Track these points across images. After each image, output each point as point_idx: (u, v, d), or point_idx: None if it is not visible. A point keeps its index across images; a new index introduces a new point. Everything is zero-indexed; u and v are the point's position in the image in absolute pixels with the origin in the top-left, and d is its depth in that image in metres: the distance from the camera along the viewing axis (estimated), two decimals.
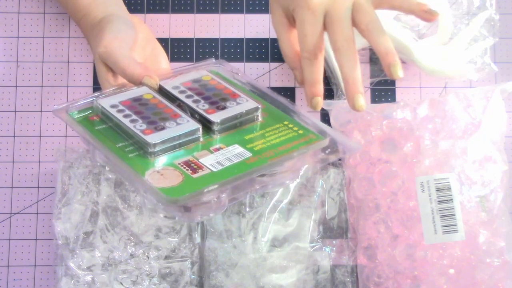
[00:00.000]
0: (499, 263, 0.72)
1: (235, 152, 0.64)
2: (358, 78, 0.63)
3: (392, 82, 0.83)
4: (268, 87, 0.83)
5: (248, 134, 0.67)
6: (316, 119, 0.70)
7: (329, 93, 0.82)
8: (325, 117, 0.82)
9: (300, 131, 0.67)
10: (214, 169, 0.62)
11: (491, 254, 0.72)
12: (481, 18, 0.79)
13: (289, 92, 0.83)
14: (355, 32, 0.73)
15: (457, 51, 0.79)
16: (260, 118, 0.69)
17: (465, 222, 0.72)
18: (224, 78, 0.73)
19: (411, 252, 0.72)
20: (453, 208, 0.72)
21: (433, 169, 0.73)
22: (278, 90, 0.83)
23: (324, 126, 0.69)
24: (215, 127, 0.66)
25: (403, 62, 0.82)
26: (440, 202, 0.72)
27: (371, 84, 0.83)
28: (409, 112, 0.76)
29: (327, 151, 0.67)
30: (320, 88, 0.65)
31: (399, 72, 0.62)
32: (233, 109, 0.67)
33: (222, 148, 0.64)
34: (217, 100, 0.68)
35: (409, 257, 0.72)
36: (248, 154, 0.64)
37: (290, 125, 0.68)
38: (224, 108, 0.67)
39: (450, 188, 0.72)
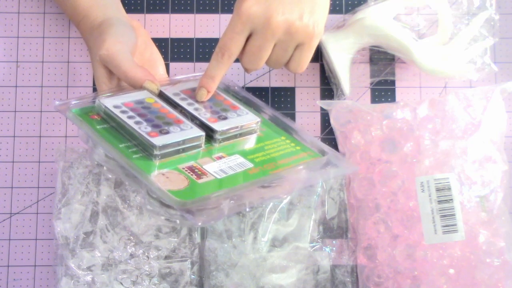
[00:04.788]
0: (499, 263, 0.72)
1: (237, 162, 0.65)
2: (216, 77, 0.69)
3: (392, 82, 0.83)
4: (268, 87, 0.83)
5: (247, 145, 0.68)
6: (313, 137, 0.71)
7: (329, 93, 0.82)
8: (325, 117, 0.82)
9: (298, 147, 0.69)
10: (218, 176, 0.63)
11: (491, 254, 0.72)
12: (481, 18, 0.79)
13: (289, 92, 0.83)
14: (356, 33, 0.73)
15: (457, 51, 0.79)
16: (258, 131, 0.70)
17: (465, 222, 0.72)
18: (221, 90, 0.74)
19: (411, 252, 0.72)
20: (453, 208, 0.72)
21: (433, 169, 0.73)
22: (278, 90, 0.83)
23: (321, 144, 0.70)
24: (218, 136, 0.67)
25: (403, 62, 0.82)
26: (440, 202, 0.72)
27: (371, 84, 0.83)
28: (409, 112, 0.76)
29: (324, 169, 0.68)
30: (212, 84, 0.69)
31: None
32: (234, 120, 0.68)
33: (224, 157, 0.65)
34: (218, 110, 0.69)
35: (409, 257, 0.72)
36: (250, 165, 0.65)
37: (288, 141, 0.70)
38: (225, 118, 0.68)
39: (450, 188, 0.72)
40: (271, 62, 0.71)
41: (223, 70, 0.69)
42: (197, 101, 0.70)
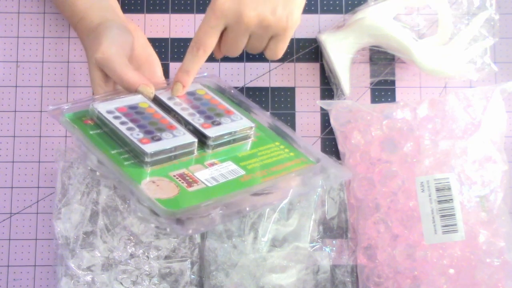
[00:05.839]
0: (499, 263, 0.72)
1: (229, 169, 0.64)
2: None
3: (392, 82, 0.83)
4: (268, 87, 0.83)
5: (241, 151, 0.68)
6: (308, 143, 0.71)
7: (329, 93, 0.82)
8: (325, 117, 0.82)
9: (292, 153, 0.69)
10: (209, 184, 0.62)
11: (491, 254, 0.72)
12: (481, 18, 0.79)
13: (289, 92, 0.83)
14: (356, 32, 0.72)
15: (457, 51, 0.79)
16: (252, 137, 0.69)
17: (465, 222, 0.72)
18: (217, 93, 0.73)
19: (411, 252, 0.72)
20: (453, 208, 0.72)
21: (433, 169, 0.73)
22: (278, 90, 0.83)
23: (315, 150, 0.70)
24: (210, 142, 0.66)
25: (403, 62, 0.82)
26: (440, 202, 0.72)
27: (371, 84, 0.83)
28: (409, 112, 0.76)
29: (318, 176, 0.68)
30: (187, 78, 0.70)
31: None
32: (228, 126, 0.68)
33: (216, 164, 0.65)
34: (212, 115, 0.69)
35: (409, 257, 0.72)
36: (242, 172, 0.64)
37: (282, 146, 0.69)
38: (219, 124, 0.68)
39: (450, 188, 0.72)
40: (248, 50, 0.73)
41: (198, 64, 0.69)
42: (192, 106, 0.70)
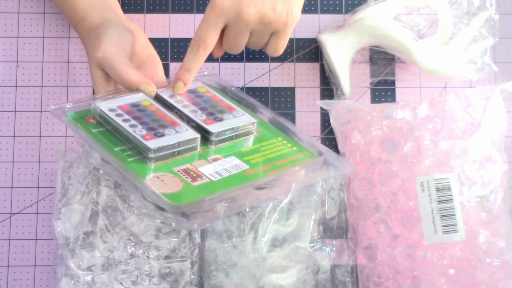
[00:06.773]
0: (499, 263, 0.72)
1: (232, 164, 0.65)
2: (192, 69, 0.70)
3: (392, 82, 0.83)
4: (268, 87, 0.83)
5: (243, 147, 0.68)
6: (310, 137, 0.71)
7: (329, 93, 0.82)
8: (325, 117, 0.82)
9: (294, 148, 0.69)
10: (213, 179, 0.62)
11: (491, 254, 0.72)
12: (481, 18, 0.79)
13: (289, 92, 0.83)
14: (356, 32, 0.72)
15: (457, 51, 0.79)
16: (255, 132, 0.70)
17: (465, 222, 0.72)
18: (218, 91, 0.74)
19: (411, 252, 0.72)
20: (453, 208, 0.72)
21: (433, 169, 0.73)
22: (278, 90, 0.83)
23: (318, 144, 0.70)
24: (213, 138, 0.67)
25: (403, 62, 0.82)
26: (440, 202, 0.72)
27: (371, 84, 0.83)
28: (409, 112, 0.76)
29: (320, 170, 0.68)
30: (188, 76, 0.70)
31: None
32: (230, 122, 0.68)
33: (219, 159, 0.65)
34: (214, 112, 0.69)
35: (409, 257, 0.72)
36: (245, 166, 0.65)
37: (284, 141, 0.70)
38: (221, 120, 0.68)
39: (450, 188, 0.72)
40: (250, 46, 0.73)
41: (199, 62, 0.70)
42: (194, 103, 0.70)
